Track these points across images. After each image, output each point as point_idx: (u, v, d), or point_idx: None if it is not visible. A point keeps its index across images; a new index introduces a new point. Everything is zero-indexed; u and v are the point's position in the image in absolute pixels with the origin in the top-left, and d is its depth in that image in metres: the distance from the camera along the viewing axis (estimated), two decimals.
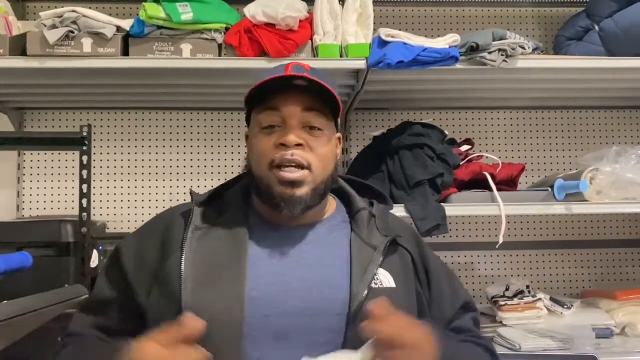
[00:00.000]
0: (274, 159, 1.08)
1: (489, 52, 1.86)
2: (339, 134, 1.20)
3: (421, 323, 0.99)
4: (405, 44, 1.84)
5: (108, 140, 2.34)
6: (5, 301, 1.35)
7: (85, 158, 1.78)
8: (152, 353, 0.90)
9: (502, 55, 1.87)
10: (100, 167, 2.32)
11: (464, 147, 2.07)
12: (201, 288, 1.02)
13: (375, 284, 1.07)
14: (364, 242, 1.13)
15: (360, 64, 1.86)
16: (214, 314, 0.98)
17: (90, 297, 1.19)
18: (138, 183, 2.33)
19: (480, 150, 2.16)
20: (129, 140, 2.35)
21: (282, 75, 1.09)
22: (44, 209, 2.30)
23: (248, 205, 1.19)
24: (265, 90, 1.10)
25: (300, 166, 1.08)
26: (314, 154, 1.10)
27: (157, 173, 2.34)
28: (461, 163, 1.99)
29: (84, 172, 1.78)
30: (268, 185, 1.09)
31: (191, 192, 1.19)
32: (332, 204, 1.22)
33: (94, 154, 2.03)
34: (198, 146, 2.37)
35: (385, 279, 1.09)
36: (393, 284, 1.09)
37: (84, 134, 1.78)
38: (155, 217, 1.22)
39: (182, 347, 0.90)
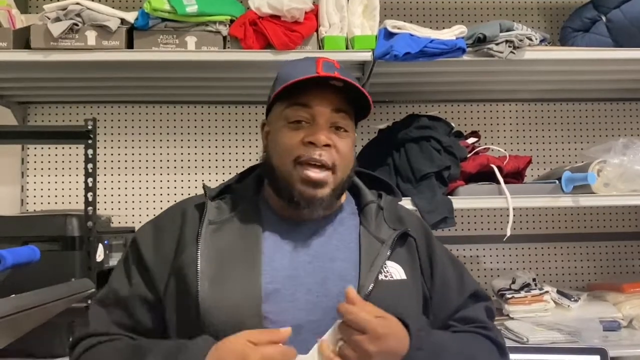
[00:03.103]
0: (300, 155, 1.08)
1: (497, 44, 1.84)
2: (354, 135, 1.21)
3: (391, 317, 0.99)
4: (411, 35, 1.83)
5: (112, 134, 2.33)
6: (11, 295, 1.35)
7: (90, 152, 1.77)
8: (241, 345, 0.92)
9: (509, 46, 1.85)
10: (105, 161, 2.31)
11: (471, 140, 2.06)
12: (218, 284, 1.02)
13: (386, 276, 1.07)
14: (372, 235, 1.14)
15: (367, 56, 1.84)
16: (232, 309, 0.99)
17: (110, 292, 1.13)
18: (143, 177, 2.32)
19: (487, 143, 2.15)
20: (133, 134, 2.34)
21: (320, 76, 1.07)
22: (48, 203, 2.29)
23: (260, 197, 1.19)
24: (296, 84, 1.09)
25: (325, 166, 1.08)
26: (339, 155, 1.10)
27: (162, 167, 2.34)
28: (468, 156, 1.98)
29: (89, 166, 1.76)
30: (289, 183, 1.09)
31: (204, 187, 1.19)
32: (342, 196, 1.21)
33: (99, 148, 2.02)
34: (203, 140, 2.35)
35: (395, 271, 1.09)
36: (404, 276, 1.09)
37: (89, 127, 1.76)
38: (170, 209, 1.21)
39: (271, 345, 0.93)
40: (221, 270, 1.03)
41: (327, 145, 1.08)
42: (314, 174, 1.07)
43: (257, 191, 1.20)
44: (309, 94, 1.10)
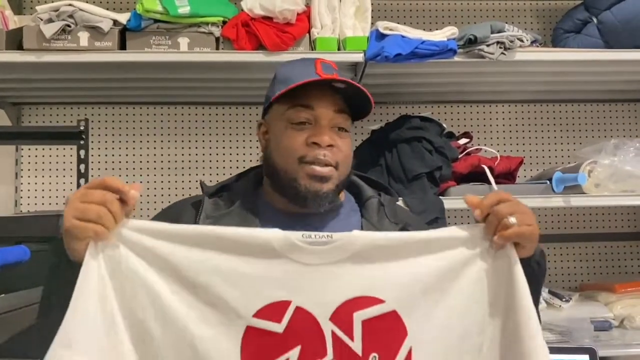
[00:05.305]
0: (305, 155, 1.12)
1: (487, 45, 1.85)
2: None
3: None
4: (403, 37, 1.84)
5: (106, 135, 2.33)
6: (2, 295, 1.35)
7: (82, 152, 1.78)
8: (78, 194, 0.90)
9: (500, 48, 1.86)
10: (98, 162, 2.31)
11: (463, 141, 2.07)
12: None
13: None
14: (374, 227, 1.17)
15: (358, 57, 1.85)
16: None
17: None
18: (135, 178, 2.32)
19: (478, 144, 2.16)
20: (126, 135, 2.34)
21: (324, 79, 1.12)
22: (42, 204, 2.29)
23: (258, 196, 1.21)
24: (297, 86, 1.12)
25: (328, 165, 1.12)
26: (342, 154, 1.15)
27: (155, 168, 2.34)
28: (459, 156, 1.99)
29: (82, 167, 1.77)
30: (294, 179, 1.12)
31: (201, 183, 1.23)
32: (340, 195, 1.24)
33: (92, 149, 2.03)
34: (197, 141, 2.36)
35: None
36: None
37: (82, 128, 1.77)
38: (166, 208, 1.24)
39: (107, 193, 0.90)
40: None
41: (330, 146, 1.13)
42: (320, 168, 1.12)
43: (255, 189, 1.23)
44: (310, 95, 1.14)
